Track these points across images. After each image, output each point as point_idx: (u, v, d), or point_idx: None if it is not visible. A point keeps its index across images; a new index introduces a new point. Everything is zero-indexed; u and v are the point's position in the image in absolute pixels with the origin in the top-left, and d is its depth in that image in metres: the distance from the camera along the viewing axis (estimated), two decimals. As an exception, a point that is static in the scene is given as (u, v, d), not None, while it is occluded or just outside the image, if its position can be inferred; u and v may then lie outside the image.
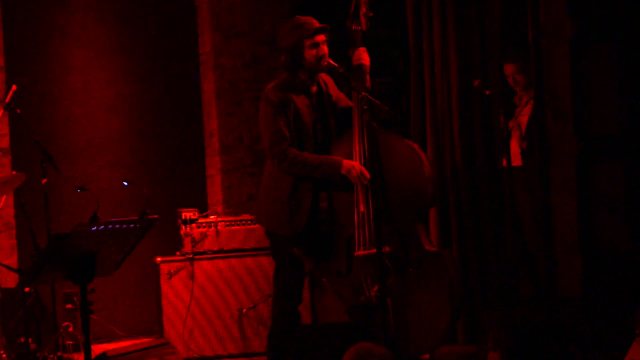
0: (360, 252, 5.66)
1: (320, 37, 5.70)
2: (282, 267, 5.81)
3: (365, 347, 3.71)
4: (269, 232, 5.89)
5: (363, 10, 5.82)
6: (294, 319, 5.78)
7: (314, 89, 5.82)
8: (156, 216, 4.98)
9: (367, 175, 5.62)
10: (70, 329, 6.93)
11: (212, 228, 7.16)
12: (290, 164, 5.65)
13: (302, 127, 5.75)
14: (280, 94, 5.71)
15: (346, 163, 5.65)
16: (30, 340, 6.60)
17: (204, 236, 7.12)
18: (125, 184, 6.96)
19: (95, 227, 4.74)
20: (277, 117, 5.67)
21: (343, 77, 5.77)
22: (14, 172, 6.76)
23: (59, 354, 6.70)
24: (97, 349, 6.24)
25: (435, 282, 5.71)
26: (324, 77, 5.88)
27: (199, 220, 7.16)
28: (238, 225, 7.20)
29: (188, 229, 7.11)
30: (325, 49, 5.71)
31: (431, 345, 5.83)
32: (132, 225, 4.91)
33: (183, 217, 7.13)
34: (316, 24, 5.72)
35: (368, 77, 5.77)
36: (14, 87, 6.77)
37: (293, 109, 5.70)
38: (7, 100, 6.81)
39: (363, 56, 5.77)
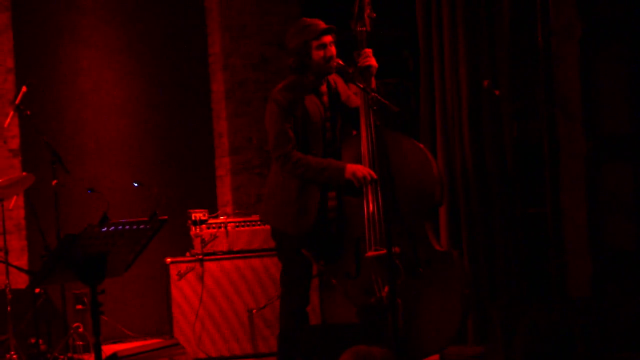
0: (371, 253, 5.64)
1: (327, 38, 5.66)
2: (288, 268, 5.76)
3: (363, 349, 3.67)
4: (275, 232, 5.82)
5: (367, 11, 5.79)
6: (302, 319, 5.76)
7: (323, 88, 5.80)
8: (166, 217, 4.98)
9: (374, 175, 5.60)
10: (81, 329, 6.94)
11: (222, 229, 7.16)
12: (294, 167, 5.61)
13: (311, 127, 5.72)
14: (289, 95, 5.66)
15: (350, 167, 5.62)
16: (40, 341, 6.62)
17: (213, 237, 7.12)
18: (135, 184, 6.96)
19: (105, 228, 4.74)
20: (283, 119, 5.63)
21: (352, 77, 5.75)
22: (24, 173, 6.77)
23: (70, 354, 6.71)
24: (107, 349, 6.25)
25: (445, 282, 5.70)
26: (333, 76, 5.86)
27: (209, 221, 7.17)
28: (248, 226, 7.21)
29: (198, 229, 7.11)
30: (333, 49, 5.68)
31: (441, 345, 5.82)
32: (142, 226, 4.91)
33: (193, 218, 7.13)
34: (322, 25, 5.68)
35: (373, 78, 5.74)
36: (24, 89, 6.80)
37: (301, 110, 5.68)
38: (17, 101, 6.84)
39: (370, 58, 5.72)
